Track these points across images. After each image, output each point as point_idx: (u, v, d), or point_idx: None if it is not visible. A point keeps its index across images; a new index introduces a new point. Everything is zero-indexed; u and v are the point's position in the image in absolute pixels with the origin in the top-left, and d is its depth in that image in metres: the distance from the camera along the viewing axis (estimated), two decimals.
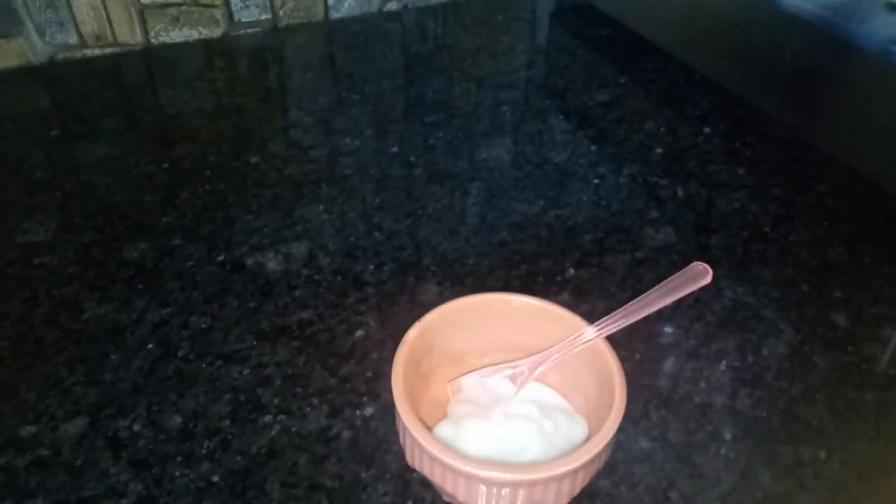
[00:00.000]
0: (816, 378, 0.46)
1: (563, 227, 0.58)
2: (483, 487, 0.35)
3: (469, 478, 0.34)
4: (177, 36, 0.85)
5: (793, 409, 0.44)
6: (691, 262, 0.42)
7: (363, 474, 0.40)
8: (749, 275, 0.54)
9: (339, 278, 0.53)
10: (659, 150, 0.68)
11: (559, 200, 0.61)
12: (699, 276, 0.42)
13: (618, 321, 0.40)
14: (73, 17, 0.79)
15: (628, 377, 0.38)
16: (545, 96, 0.78)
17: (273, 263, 0.55)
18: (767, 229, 0.58)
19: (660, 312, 0.42)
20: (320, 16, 0.91)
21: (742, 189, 0.62)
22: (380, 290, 0.52)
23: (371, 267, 0.54)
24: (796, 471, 0.41)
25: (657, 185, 0.63)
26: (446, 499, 0.38)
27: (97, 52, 0.82)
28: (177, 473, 0.40)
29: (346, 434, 0.42)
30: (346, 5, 0.92)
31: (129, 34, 0.83)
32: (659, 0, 0.76)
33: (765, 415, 0.44)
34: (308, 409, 0.44)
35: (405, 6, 0.95)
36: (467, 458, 0.34)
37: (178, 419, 0.43)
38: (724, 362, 0.47)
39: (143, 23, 0.83)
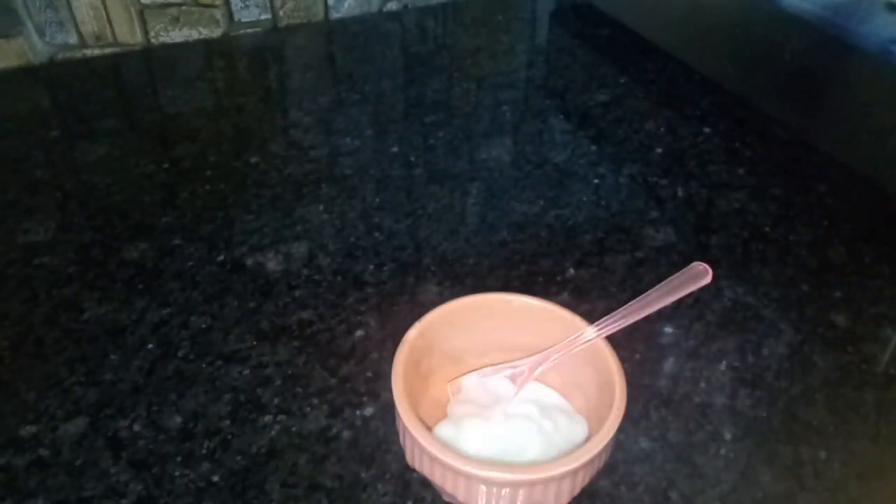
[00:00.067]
0: (816, 378, 0.46)
1: (563, 227, 0.58)
2: (483, 487, 0.35)
3: (469, 478, 0.34)
4: (177, 36, 0.85)
5: (793, 409, 0.44)
6: (691, 262, 0.42)
7: (363, 474, 0.40)
8: (749, 275, 0.54)
9: (339, 278, 0.53)
10: (659, 150, 0.68)
11: (559, 200, 0.61)
12: (699, 276, 0.42)
13: (618, 321, 0.40)
14: (73, 17, 0.79)
15: (628, 377, 0.38)
16: (545, 96, 0.78)
17: (273, 263, 0.55)
18: (767, 229, 0.58)
19: (660, 312, 0.42)
20: (320, 16, 0.91)
21: (742, 189, 0.62)
22: (380, 290, 0.52)
23: (371, 267, 0.54)
24: (796, 471, 0.41)
25: (657, 185, 0.63)
26: (446, 499, 0.38)
27: (97, 52, 0.82)
28: (177, 473, 0.40)
29: (346, 434, 0.42)
30: (346, 5, 0.92)
31: (129, 34, 0.83)
32: (659, 0, 0.76)
33: (765, 415, 0.44)
34: (308, 409, 0.44)
35: (405, 6, 0.95)
36: (467, 458, 0.34)
37: (178, 419, 0.43)
38: (724, 362, 0.47)
39: (143, 23, 0.83)
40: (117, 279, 0.53)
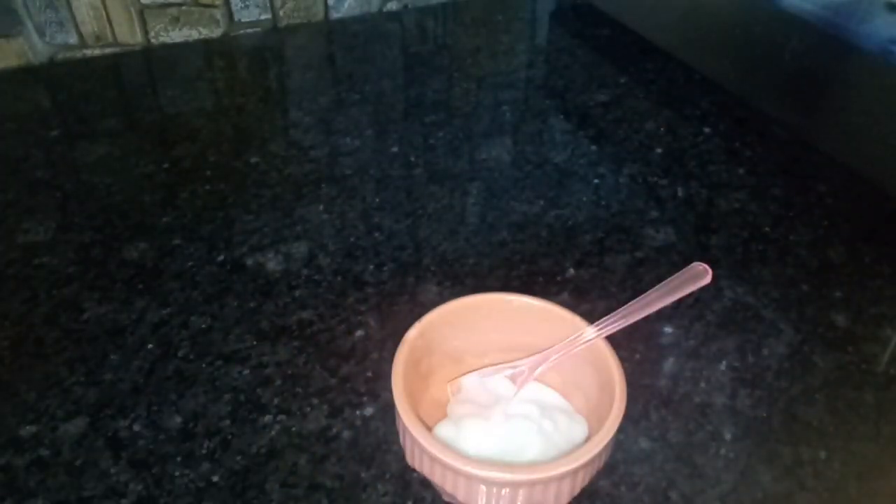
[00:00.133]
0: (816, 378, 0.46)
1: (563, 227, 0.58)
2: (483, 487, 0.35)
3: (469, 478, 0.34)
4: (177, 36, 0.85)
5: (793, 409, 0.44)
6: (691, 262, 0.42)
7: (363, 474, 0.40)
8: (749, 275, 0.54)
9: (339, 278, 0.53)
10: (659, 150, 0.68)
11: (559, 200, 0.61)
12: (699, 276, 0.42)
13: (618, 321, 0.40)
14: (73, 17, 0.79)
15: (628, 377, 0.38)
16: (545, 96, 0.78)
17: (273, 263, 0.55)
18: (767, 229, 0.58)
19: (660, 312, 0.42)
20: (320, 16, 0.91)
21: (742, 189, 0.62)
22: (380, 290, 0.52)
23: (371, 267, 0.54)
24: (796, 471, 0.41)
25: (657, 185, 0.63)
26: (446, 499, 0.38)
27: (97, 52, 0.82)
28: (177, 473, 0.40)
29: (346, 434, 0.42)
30: (346, 5, 0.92)
31: (129, 34, 0.83)
32: (659, 0, 0.76)
33: (765, 415, 0.44)
34: (308, 409, 0.44)
35: (405, 6, 0.95)
36: (467, 458, 0.34)
37: (178, 419, 0.43)
38: (724, 362, 0.47)
39: (143, 23, 0.83)
40: (117, 279, 0.53)
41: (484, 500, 0.35)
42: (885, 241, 0.57)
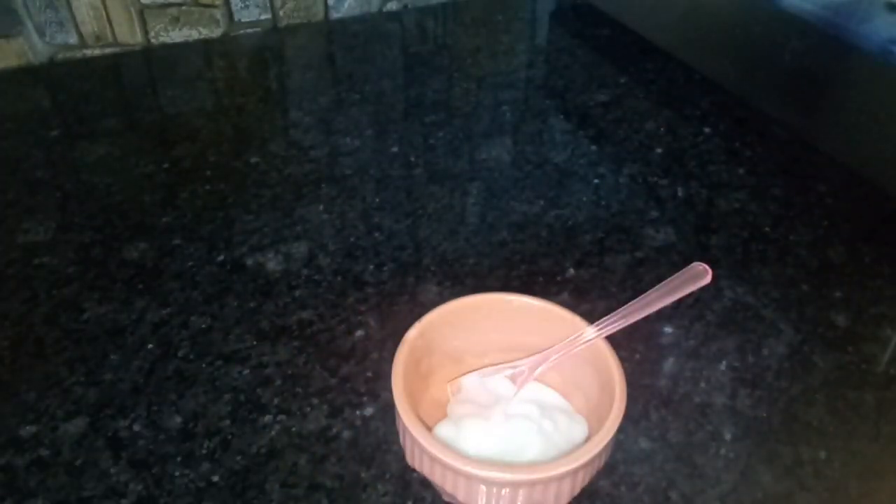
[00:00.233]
0: (816, 378, 0.46)
1: (563, 227, 0.58)
2: (483, 487, 0.35)
3: (469, 478, 0.34)
4: (177, 36, 0.85)
5: (793, 409, 0.44)
6: (691, 262, 0.42)
7: (363, 474, 0.40)
8: (749, 275, 0.54)
9: (339, 278, 0.53)
10: (659, 150, 0.68)
11: (559, 200, 0.61)
12: (699, 276, 0.42)
13: (618, 321, 0.40)
14: (73, 17, 0.79)
15: (628, 377, 0.38)
16: (545, 96, 0.78)
17: (273, 263, 0.55)
18: (767, 229, 0.58)
19: (660, 312, 0.42)
20: (320, 16, 0.91)
21: (742, 189, 0.62)
22: (380, 290, 0.52)
23: (371, 267, 0.54)
24: (796, 471, 0.41)
25: (657, 185, 0.63)
26: (446, 499, 0.38)
27: (97, 52, 0.82)
28: (177, 473, 0.40)
29: (346, 434, 0.42)
30: (346, 5, 0.92)
31: (129, 34, 0.83)
32: (659, 0, 0.76)
33: (765, 415, 0.44)
34: (308, 409, 0.44)
35: (405, 6, 0.95)
36: (467, 458, 0.34)
37: (178, 419, 0.43)
38: (724, 362, 0.47)
39: (143, 23, 0.83)
40: (117, 279, 0.53)
41: (484, 500, 0.35)
42: (885, 241, 0.57)
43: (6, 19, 0.76)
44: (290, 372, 0.46)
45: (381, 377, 0.46)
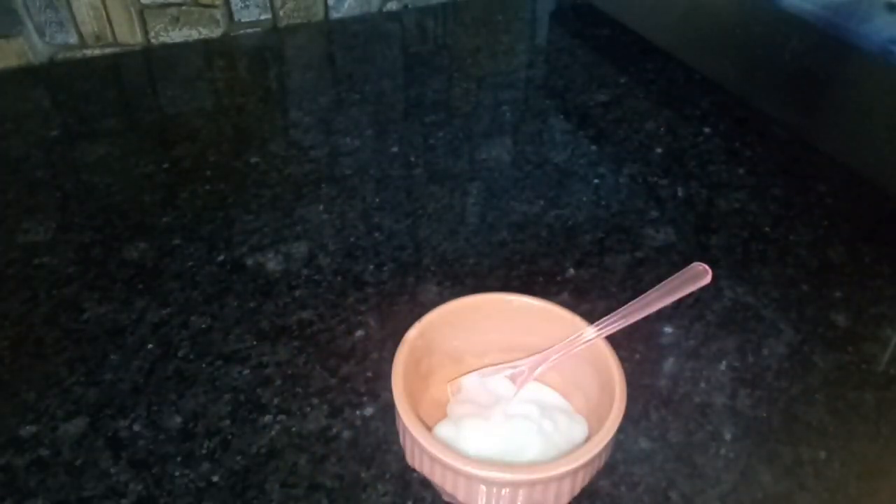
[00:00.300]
0: (816, 378, 0.46)
1: (563, 227, 0.58)
2: (483, 487, 0.35)
3: (469, 478, 0.34)
4: (177, 36, 0.85)
5: (793, 409, 0.44)
6: (691, 262, 0.42)
7: (363, 474, 0.40)
8: (749, 275, 0.54)
9: (339, 278, 0.53)
10: (659, 150, 0.68)
11: (559, 200, 0.61)
12: (699, 276, 0.42)
13: (618, 321, 0.40)
14: (73, 17, 0.79)
15: (628, 377, 0.38)
16: (545, 96, 0.78)
17: (273, 263, 0.55)
18: (767, 229, 0.58)
19: (660, 312, 0.42)
20: (320, 16, 0.91)
21: (742, 189, 0.62)
22: (380, 290, 0.52)
23: (371, 267, 0.54)
24: (796, 471, 0.41)
25: (657, 185, 0.63)
26: (446, 499, 0.38)
27: (97, 52, 0.82)
28: (177, 473, 0.40)
29: (346, 434, 0.42)
30: (346, 5, 0.92)
31: (129, 34, 0.83)
32: (659, 0, 0.76)
33: (765, 415, 0.44)
34: (308, 409, 0.44)
35: (405, 6, 0.95)
36: (467, 458, 0.34)
37: (178, 419, 0.43)
38: (724, 362, 0.47)
39: (143, 23, 0.83)
40: (117, 279, 0.53)
41: (484, 500, 0.35)
42: (885, 241, 0.57)
43: (6, 19, 0.76)
44: (290, 372, 0.46)
45: (381, 377, 0.46)
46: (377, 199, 0.61)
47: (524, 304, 0.43)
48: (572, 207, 0.60)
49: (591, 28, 0.90)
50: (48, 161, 0.66)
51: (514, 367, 0.42)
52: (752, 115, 0.72)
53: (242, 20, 0.87)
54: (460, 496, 0.36)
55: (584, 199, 0.62)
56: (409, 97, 0.77)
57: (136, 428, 0.43)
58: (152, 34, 0.84)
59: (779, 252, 0.56)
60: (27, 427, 0.43)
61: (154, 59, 0.83)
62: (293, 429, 0.43)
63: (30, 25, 0.78)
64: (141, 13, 0.82)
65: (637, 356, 0.47)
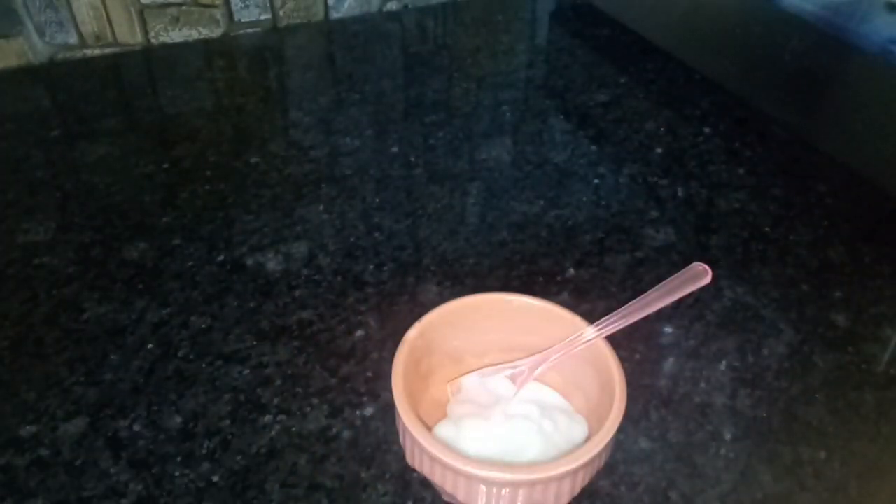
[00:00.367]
0: (816, 378, 0.46)
1: (563, 227, 0.58)
2: (483, 487, 0.35)
3: (469, 478, 0.34)
4: (177, 36, 0.85)
5: (793, 409, 0.44)
6: (691, 262, 0.42)
7: (363, 474, 0.40)
8: (749, 275, 0.54)
9: (339, 278, 0.53)
10: (659, 150, 0.68)
11: (559, 200, 0.61)
12: (699, 276, 0.42)
13: (618, 321, 0.40)
14: (73, 17, 0.79)
15: (628, 377, 0.38)
16: (545, 96, 0.78)
17: (273, 263, 0.55)
18: (767, 229, 0.58)
19: (660, 312, 0.42)
20: (320, 16, 0.91)
21: (742, 189, 0.62)
22: (380, 290, 0.52)
23: (371, 267, 0.54)
24: (796, 471, 0.41)
25: (657, 185, 0.63)
26: (446, 499, 0.38)
27: (97, 52, 0.82)
28: (177, 473, 0.40)
29: (346, 434, 0.42)
30: (346, 5, 0.92)
31: (129, 34, 0.83)
32: (659, 0, 0.76)
33: (765, 415, 0.44)
34: (308, 409, 0.44)
35: (405, 6, 0.95)
36: (467, 458, 0.34)
37: (178, 419, 0.43)
38: (724, 362, 0.47)
39: (143, 23, 0.83)
40: (117, 279, 0.53)
41: (484, 500, 0.35)
42: (885, 241, 0.57)
43: (6, 19, 0.76)
44: (290, 372, 0.46)
45: (381, 377, 0.46)
46: (377, 199, 0.61)
47: (524, 304, 0.43)
48: (572, 207, 0.60)
49: (591, 28, 0.90)
50: (48, 161, 0.66)
51: (514, 367, 0.42)
52: (752, 115, 0.72)
53: (242, 20, 0.87)
54: (460, 496, 0.36)
55: (584, 199, 0.62)
56: (409, 97, 0.77)
57: (136, 428, 0.43)
58: (152, 34, 0.84)
59: (779, 252, 0.56)
60: (27, 427, 0.43)
61: (154, 59, 0.83)
62: (293, 429, 0.43)
63: (30, 25, 0.78)
64: (141, 13, 0.82)
65: (637, 356, 0.47)
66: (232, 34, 0.87)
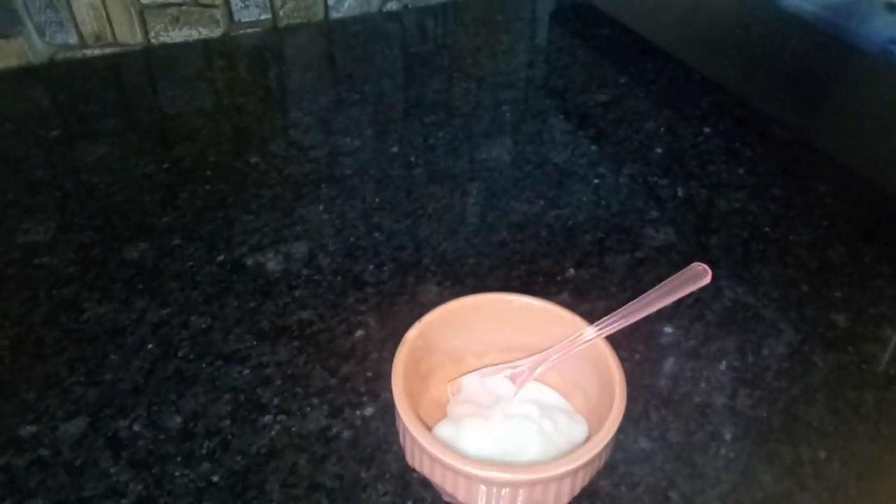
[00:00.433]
0: (816, 378, 0.46)
1: (563, 227, 0.58)
2: (483, 487, 0.35)
3: (469, 478, 0.34)
4: (177, 36, 0.85)
5: (793, 409, 0.44)
6: (691, 262, 0.42)
7: (363, 474, 0.40)
8: (749, 275, 0.54)
9: (339, 278, 0.53)
10: (659, 150, 0.68)
11: (559, 200, 0.61)
12: (699, 276, 0.42)
13: (618, 321, 0.40)
14: (73, 17, 0.79)
15: (628, 377, 0.38)
16: (545, 96, 0.78)
17: (273, 263, 0.55)
18: (767, 229, 0.58)
19: (660, 312, 0.42)
20: (320, 16, 0.91)
21: (742, 189, 0.62)
22: (380, 290, 0.52)
23: (371, 267, 0.54)
24: (796, 471, 0.41)
25: (657, 185, 0.63)
26: (446, 499, 0.38)
27: (97, 52, 0.82)
28: (177, 473, 0.40)
29: (346, 434, 0.42)
30: (346, 5, 0.92)
31: (129, 34, 0.83)
32: (659, 0, 0.76)
33: (765, 415, 0.44)
34: (308, 409, 0.44)
35: (405, 6, 0.95)
36: (467, 458, 0.34)
37: (178, 419, 0.43)
38: (724, 362, 0.47)
39: (143, 23, 0.83)
40: (117, 279, 0.53)
41: (484, 500, 0.35)
42: (885, 241, 0.57)
43: (6, 19, 0.76)
44: (290, 372, 0.46)
45: (381, 377, 0.46)
46: (377, 199, 0.61)
47: (524, 304, 0.43)
48: (572, 207, 0.60)
49: (591, 28, 0.90)
50: (48, 161, 0.66)
51: (514, 367, 0.42)
52: (752, 115, 0.72)
53: (242, 20, 0.87)
54: (460, 496, 0.36)
55: (584, 199, 0.62)
56: (409, 97, 0.77)
57: (136, 428, 0.43)
58: (152, 34, 0.84)
59: (779, 252, 0.56)
60: (27, 427, 0.43)
61: (154, 59, 0.83)
62: (293, 429, 0.43)
63: (30, 25, 0.78)
64: (141, 13, 0.82)
65: (637, 356, 0.47)
66: (232, 34, 0.87)
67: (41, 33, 0.78)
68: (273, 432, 0.42)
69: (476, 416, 0.40)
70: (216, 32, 0.86)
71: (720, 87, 0.71)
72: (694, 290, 0.41)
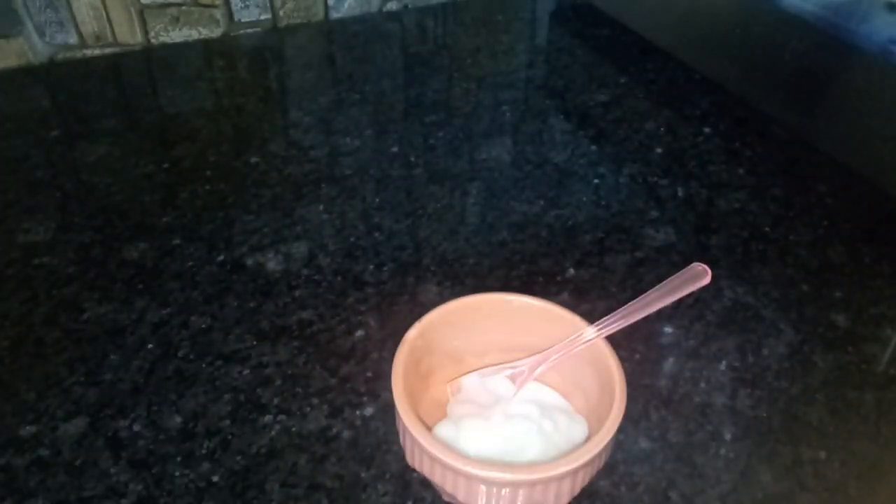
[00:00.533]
0: (816, 378, 0.46)
1: (563, 227, 0.58)
2: (483, 487, 0.35)
3: (469, 478, 0.34)
4: (177, 36, 0.85)
5: (793, 409, 0.44)
6: (691, 262, 0.42)
7: (363, 474, 0.40)
8: (749, 275, 0.54)
9: (339, 278, 0.53)
10: (659, 150, 0.68)
11: (559, 200, 0.61)
12: (698, 276, 0.42)
13: (618, 321, 0.40)
14: (73, 17, 0.79)
15: (628, 377, 0.38)
16: (545, 96, 0.78)
17: (273, 263, 0.55)
18: (767, 229, 0.58)
19: (660, 312, 0.42)
20: (320, 16, 0.91)
21: (742, 189, 0.62)
22: (380, 290, 0.52)
23: (371, 267, 0.54)
24: (796, 471, 0.41)
25: (657, 185, 0.63)
26: (446, 499, 0.38)
27: (97, 52, 0.82)
28: (177, 473, 0.40)
29: (346, 434, 0.42)
30: (346, 5, 0.92)
31: (129, 34, 0.83)
32: (659, 0, 0.76)
33: (765, 415, 0.44)
34: (308, 409, 0.44)
35: (405, 6, 0.95)
36: (467, 458, 0.34)
37: (178, 419, 0.43)
38: (724, 362, 0.47)
39: (143, 23, 0.83)
40: (117, 279, 0.53)
41: (484, 500, 0.35)
42: (885, 241, 0.57)
43: (6, 19, 0.76)
44: (290, 372, 0.46)
45: (381, 377, 0.46)
46: (377, 199, 0.61)
47: (524, 304, 0.43)
48: (572, 207, 0.60)
49: (591, 28, 0.90)
50: (48, 161, 0.66)
51: (514, 367, 0.42)
52: (752, 115, 0.72)
53: (242, 20, 0.87)
54: (460, 496, 0.36)
55: (584, 199, 0.62)
56: (409, 97, 0.77)
57: (136, 428, 0.43)
58: (152, 34, 0.84)
59: (779, 252, 0.56)
60: (27, 427, 0.43)
61: (154, 59, 0.83)
62: (293, 429, 0.43)
63: (30, 25, 0.78)
64: (141, 13, 0.82)
65: (637, 356, 0.47)
66: (232, 34, 0.87)
67: (41, 33, 0.79)
68: (273, 432, 0.42)
69: (476, 416, 0.40)
70: (216, 32, 0.86)
71: (720, 87, 0.71)
72: (694, 290, 0.41)
